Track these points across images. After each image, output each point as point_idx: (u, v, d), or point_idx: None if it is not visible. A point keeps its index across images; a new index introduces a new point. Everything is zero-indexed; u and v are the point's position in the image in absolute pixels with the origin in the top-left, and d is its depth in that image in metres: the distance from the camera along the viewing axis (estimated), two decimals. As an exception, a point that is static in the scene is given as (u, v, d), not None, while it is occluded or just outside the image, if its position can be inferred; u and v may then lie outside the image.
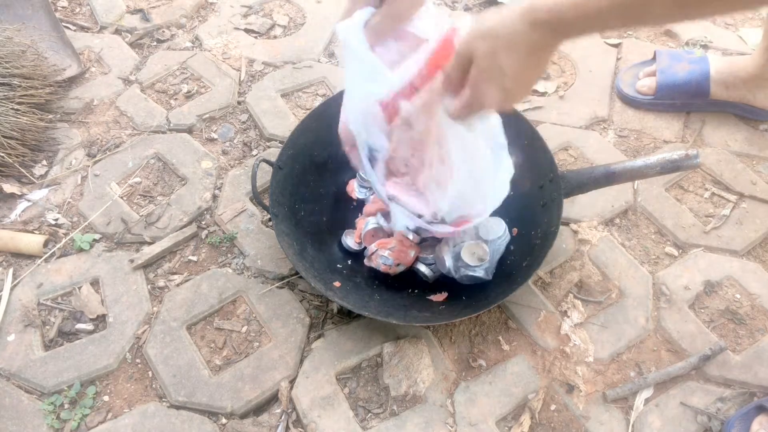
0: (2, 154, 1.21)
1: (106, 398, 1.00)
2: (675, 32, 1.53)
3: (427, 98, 0.78)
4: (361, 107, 0.85)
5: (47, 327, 1.07)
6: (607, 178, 1.03)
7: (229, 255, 1.16)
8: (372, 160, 0.90)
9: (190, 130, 1.36)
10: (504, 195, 0.92)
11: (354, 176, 1.21)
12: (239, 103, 1.41)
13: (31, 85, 1.29)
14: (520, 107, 1.33)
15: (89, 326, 1.07)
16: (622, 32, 1.54)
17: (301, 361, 1.02)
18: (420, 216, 0.92)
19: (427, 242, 1.08)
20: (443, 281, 1.07)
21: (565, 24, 0.61)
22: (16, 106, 1.24)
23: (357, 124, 0.87)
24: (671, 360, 1.02)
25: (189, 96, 1.42)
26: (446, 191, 0.86)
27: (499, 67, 0.65)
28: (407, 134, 0.84)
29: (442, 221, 0.91)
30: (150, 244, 1.17)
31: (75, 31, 1.57)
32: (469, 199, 0.89)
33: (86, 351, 1.03)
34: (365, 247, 1.11)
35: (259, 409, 0.99)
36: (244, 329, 1.06)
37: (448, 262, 1.03)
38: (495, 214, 1.01)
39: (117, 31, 1.56)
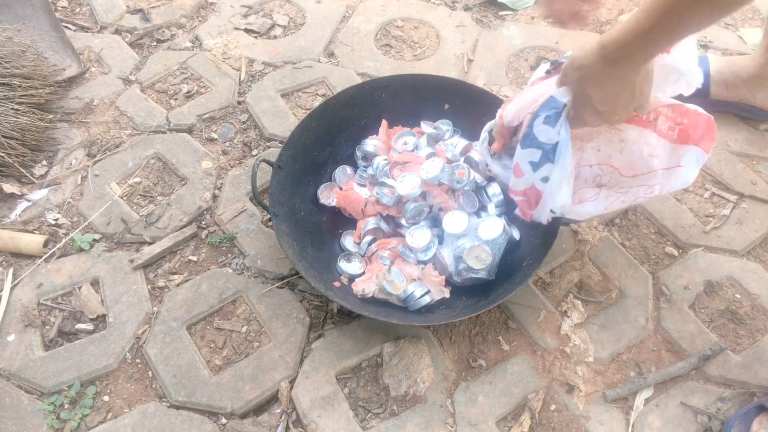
0: (2, 154, 1.21)
1: (106, 398, 1.00)
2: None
3: None
4: None
5: (47, 327, 1.07)
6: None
7: (229, 255, 1.16)
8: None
9: (190, 130, 1.36)
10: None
11: (353, 176, 1.21)
12: (239, 103, 1.41)
13: (31, 85, 1.29)
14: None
15: (89, 326, 1.07)
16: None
17: (301, 361, 1.02)
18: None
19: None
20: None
21: (627, 50, 0.69)
22: (16, 106, 1.24)
23: None
24: (671, 360, 1.02)
25: (189, 96, 1.42)
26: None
27: (587, 95, 0.76)
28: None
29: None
30: (150, 244, 1.17)
31: (75, 31, 1.57)
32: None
33: (86, 351, 1.03)
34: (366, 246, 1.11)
35: (259, 409, 0.99)
36: (244, 329, 1.06)
37: (450, 266, 1.03)
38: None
39: (117, 31, 1.56)
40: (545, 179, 0.85)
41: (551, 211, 0.89)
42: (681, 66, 0.85)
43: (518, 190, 0.91)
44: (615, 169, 0.90)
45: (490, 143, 0.98)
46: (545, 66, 0.90)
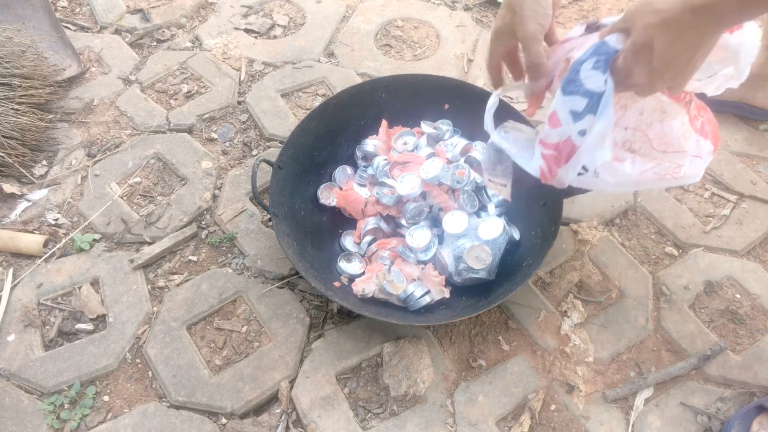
0: (2, 154, 1.21)
1: (106, 398, 1.00)
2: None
3: None
4: None
5: (47, 327, 1.07)
6: (608, 178, 1.03)
7: (229, 255, 1.16)
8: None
9: (190, 130, 1.36)
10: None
11: (353, 176, 1.21)
12: (239, 103, 1.41)
13: (31, 85, 1.29)
14: (520, 107, 1.32)
15: (89, 326, 1.07)
16: None
17: (301, 361, 1.02)
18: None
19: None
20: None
21: (714, 7, 0.63)
22: (16, 106, 1.24)
23: None
24: (671, 360, 1.02)
25: (189, 96, 1.42)
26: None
27: (650, 44, 0.68)
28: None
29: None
30: (150, 244, 1.17)
31: (75, 31, 1.57)
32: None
33: (86, 351, 1.03)
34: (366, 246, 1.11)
35: (259, 409, 0.99)
36: (244, 329, 1.06)
37: (450, 266, 1.03)
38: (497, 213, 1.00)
39: (117, 31, 1.56)
40: (582, 132, 0.79)
41: (583, 168, 0.83)
42: (744, 50, 0.79)
43: (550, 142, 0.84)
44: (648, 139, 0.86)
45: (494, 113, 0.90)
46: (579, 28, 0.85)
